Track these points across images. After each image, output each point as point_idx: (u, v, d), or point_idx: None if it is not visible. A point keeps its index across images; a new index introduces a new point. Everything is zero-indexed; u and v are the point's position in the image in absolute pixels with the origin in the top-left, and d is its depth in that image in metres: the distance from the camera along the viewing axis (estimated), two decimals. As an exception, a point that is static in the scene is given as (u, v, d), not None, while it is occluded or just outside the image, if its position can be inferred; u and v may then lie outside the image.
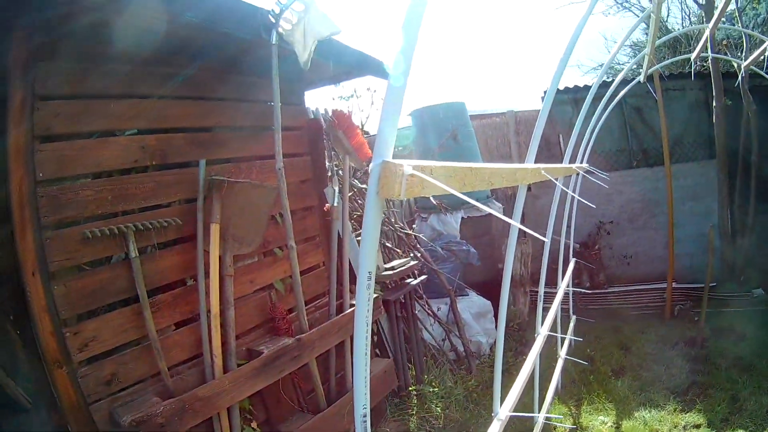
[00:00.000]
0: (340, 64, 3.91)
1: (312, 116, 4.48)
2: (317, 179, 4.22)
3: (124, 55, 2.84)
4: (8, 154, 2.43)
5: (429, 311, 5.20)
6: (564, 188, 3.14)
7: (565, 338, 4.41)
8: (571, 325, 5.29)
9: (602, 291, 6.61)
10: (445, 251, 5.83)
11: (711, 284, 6.06)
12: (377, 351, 4.52)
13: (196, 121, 3.34)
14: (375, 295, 4.01)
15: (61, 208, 2.61)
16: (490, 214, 6.14)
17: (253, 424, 3.29)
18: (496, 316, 5.83)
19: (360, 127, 5.93)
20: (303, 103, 4.25)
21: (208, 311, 3.09)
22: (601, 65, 13.02)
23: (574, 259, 5.37)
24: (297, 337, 3.42)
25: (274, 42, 3.02)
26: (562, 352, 4.46)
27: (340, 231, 4.16)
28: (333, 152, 4.54)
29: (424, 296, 5.31)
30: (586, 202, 3.67)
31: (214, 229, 3.14)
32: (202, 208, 3.18)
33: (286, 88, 3.69)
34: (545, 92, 6.82)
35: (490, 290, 6.08)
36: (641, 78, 4.90)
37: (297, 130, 4.10)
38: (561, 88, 7.17)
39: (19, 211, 2.47)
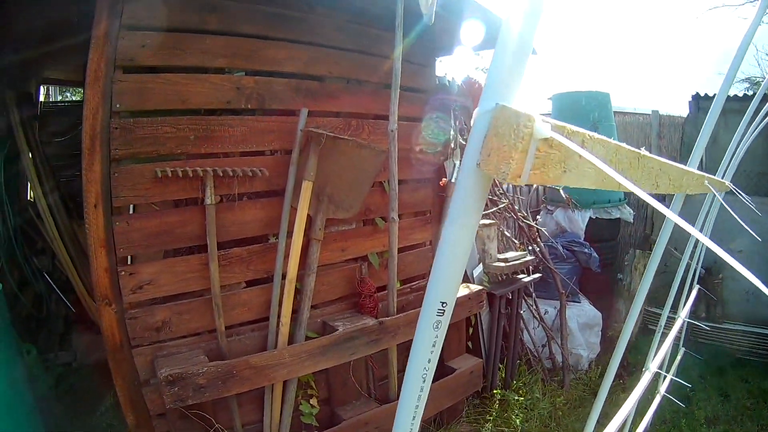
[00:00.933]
0: (474, 27, 3.12)
1: (440, 81, 3.69)
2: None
3: None
4: (86, 80, 2.13)
5: (536, 313, 4.31)
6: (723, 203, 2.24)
7: (668, 377, 3.47)
8: (678, 358, 4.23)
9: (717, 326, 5.30)
10: (565, 250, 4.87)
11: None
12: (469, 345, 3.77)
13: (304, 67, 2.79)
14: (479, 288, 3.40)
15: (135, 142, 2.26)
16: (619, 218, 5.20)
17: (312, 401, 2.81)
18: (604, 330, 4.81)
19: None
20: (431, 65, 3.55)
21: (284, 274, 2.61)
22: (748, 78, 10.66)
23: (698, 286, 4.26)
24: (380, 319, 2.84)
25: None
26: (662, 388, 3.54)
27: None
28: (459, 122, 3.73)
29: (534, 295, 4.42)
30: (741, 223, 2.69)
31: (306, 186, 2.59)
32: (296, 162, 2.66)
33: (414, 46, 3.13)
34: (693, 97, 5.70)
35: (603, 300, 5.06)
36: None
37: (421, 92, 3.42)
38: (702, 95, 5.81)
39: (89, 141, 2.15)
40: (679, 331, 4.55)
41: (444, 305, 0.61)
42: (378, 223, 3.06)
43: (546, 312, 4.44)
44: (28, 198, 4.53)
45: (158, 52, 2.30)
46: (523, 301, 4.24)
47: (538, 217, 5.76)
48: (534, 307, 4.41)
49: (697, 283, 4.87)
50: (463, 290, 3.35)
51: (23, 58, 4.26)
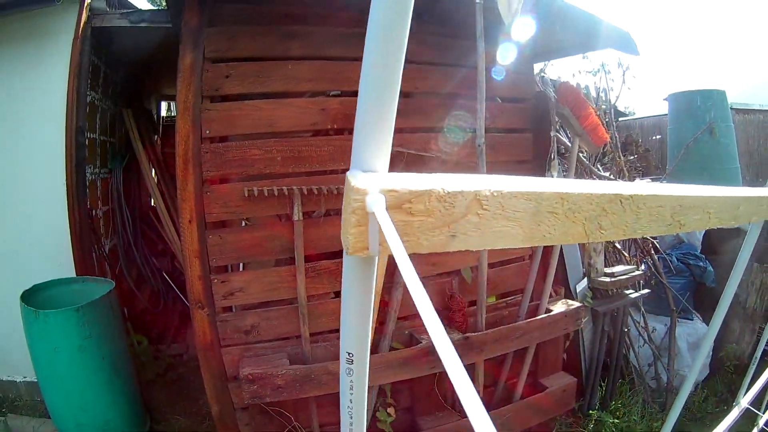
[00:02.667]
0: (570, 31, 3.10)
1: (542, 88, 3.61)
2: (538, 160, 3.44)
3: (306, 17, 2.69)
4: (178, 112, 2.44)
5: (642, 330, 4.09)
6: None
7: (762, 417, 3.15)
8: None
9: None
10: (679, 263, 4.56)
11: None
12: (564, 358, 3.64)
13: None
14: (576, 305, 3.32)
15: (225, 164, 2.52)
16: (738, 228, 4.77)
17: (390, 410, 2.92)
18: (716, 350, 4.48)
19: (598, 105, 4.85)
20: (529, 72, 3.48)
21: None
22: None
23: None
24: (466, 335, 2.87)
25: (479, 1, 2.49)
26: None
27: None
28: (561, 131, 3.62)
29: (642, 310, 4.19)
30: None
31: (388, 203, 2.60)
32: (379, 179, 2.66)
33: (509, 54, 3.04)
34: None
35: (707, 320, 4.69)
36: None
37: (519, 102, 3.40)
38: None
39: (182, 164, 2.43)
40: None
41: (351, 355, 0.62)
42: (468, 241, 3.05)
43: (654, 330, 4.20)
44: (151, 204, 5.00)
45: (242, 81, 2.54)
46: (630, 317, 4.03)
47: None
48: (642, 323, 4.18)
49: None
50: (560, 307, 3.28)
51: (140, 76, 4.74)
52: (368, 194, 0.45)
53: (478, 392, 2.59)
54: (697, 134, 4.84)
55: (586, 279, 3.74)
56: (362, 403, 0.69)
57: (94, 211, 4.00)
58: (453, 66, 3.03)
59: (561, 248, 3.47)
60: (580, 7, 2.91)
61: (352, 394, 0.68)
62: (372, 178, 0.46)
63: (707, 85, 5.53)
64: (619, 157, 4.53)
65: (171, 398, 3.88)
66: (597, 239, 0.62)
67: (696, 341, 4.30)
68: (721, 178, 4.67)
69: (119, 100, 4.56)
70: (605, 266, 3.85)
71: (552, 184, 0.56)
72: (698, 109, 5.05)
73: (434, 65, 3.00)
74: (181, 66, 2.41)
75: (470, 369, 3.01)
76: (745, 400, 2.49)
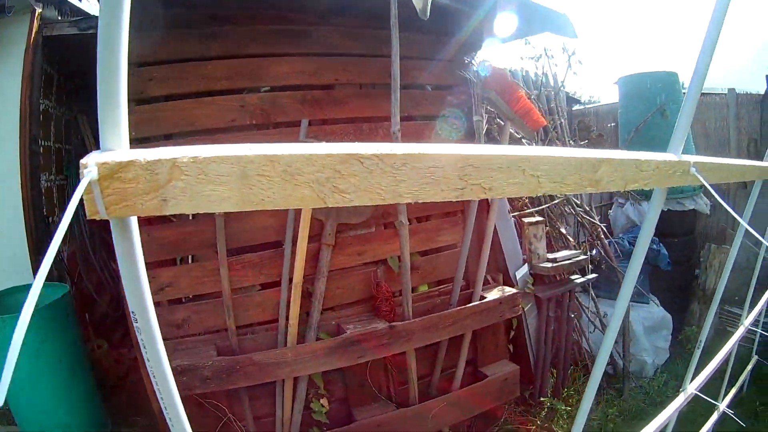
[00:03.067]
0: (506, 16, 3.10)
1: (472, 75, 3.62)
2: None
3: (225, 17, 2.77)
4: None
5: (591, 315, 4.08)
6: None
7: (719, 407, 3.14)
8: (747, 369, 3.93)
9: None
10: (631, 247, 4.54)
11: None
12: (510, 348, 3.67)
13: (309, 78, 2.94)
14: (512, 291, 3.34)
15: None
16: (694, 210, 4.77)
17: (323, 401, 2.96)
18: (675, 333, 4.46)
19: (540, 91, 4.84)
20: (459, 59, 3.45)
21: (291, 279, 2.80)
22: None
23: None
24: (391, 324, 2.87)
25: None
26: (723, 404, 3.24)
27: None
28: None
29: (592, 295, 4.18)
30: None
31: (304, 195, 2.64)
32: (297, 172, 2.70)
33: (435, 41, 3.24)
34: None
35: (676, 301, 4.68)
36: None
37: (446, 89, 3.40)
38: None
39: None
40: (746, 342, 4.08)
41: (134, 314, 0.64)
42: (398, 227, 3.06)
43: (605, 314, 4.19)
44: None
45: (165, 83, 2.63)
46: (578, 303, 4.03)
47: (609, 211, 5.48)
48: (593, 308, 4.17)
49: None
50: (495, 294, 3.29)
51: (93, 82, 4.77)
52: (86, 167, 0.49)
53: (412, 381, 2.63)
54: (648, 116, 4.81)
55: (526, 265, 3.73)
56: (159, 360, 0.71)
57: (51, 218, 4.05)
58: (379, 57, 3.06)
59: (496, 234, 3.47)
60: None
61: (146, 351, 0.70)
62: (96, 155, 0.50)
63: (653, 68, 5.50)
64: (572, 142, 4.53)
65: (132, 401, 3.91)
66: (340, 203, 0.59)
67: (652, 325, 4.30)
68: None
69: (74, 107, 4.62)
70: (550, 252, 3.84)
71: (263, 148, 0.57)
72: (648, 91, 5.02)
73: (359, 57, 3.05)
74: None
75: (401, 358, 3.02)
76: (692, 386, 2.48)
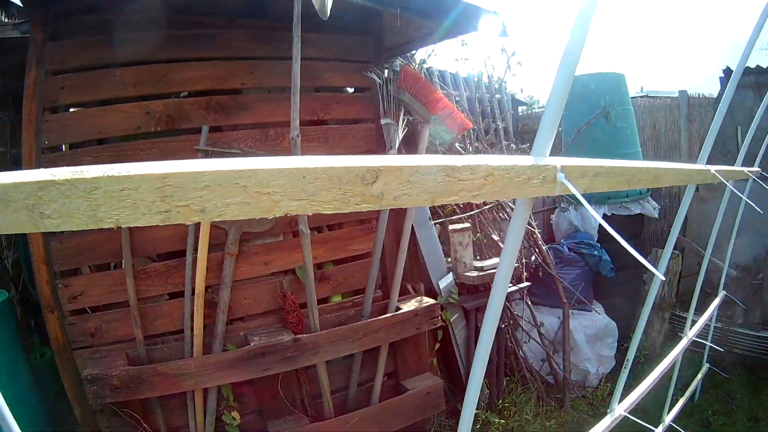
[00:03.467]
0: (426, 16, 3.16)
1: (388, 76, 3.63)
2: (383, 150, 3.46)
3: (134, 23, 2.78)
4: (23, 125, 2.63)
5: (524, 324, 4.09)
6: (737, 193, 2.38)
7: (664, 421, 3.17)
8: (698, 378, 4.00)
9: (753, 333, 4.76)
10: (572, 253, 4.55)
11: None
12: (435, 361, 3.69)
13: (215, 83, 2.96)
14: (430, 302, 3.35)
15: None
16: (641, 214, 4.78)
17: (234, 413, 2.96)
18: (621, 341, 4.50)
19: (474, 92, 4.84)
20: (375, 61, 3.46)
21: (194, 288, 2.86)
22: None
23: (724, 292, 4.03)
24: (295, 337, 2.89)
25: None
26: (668, 418, 3.36)
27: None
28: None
29: (528, 304, 4.21)
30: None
31: (203, 205, 2.65)
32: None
33: (349, 43, 3.27)
34: (724, 71, 5.34)
35: (624, 308, 4.70)
36: None
37: (362, 91, 3.42)
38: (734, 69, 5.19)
39: None
40: (698, 347, 4.10)
41: None
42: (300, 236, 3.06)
43: (542, 324, 4.19)
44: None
45: (76, 91, 2.72)
46: (511, 312, 4.03)
47: (552, 216, 5.52)
48: (530, 317, 4.18)
49: (731, 284, 4.63)
50: (412, 305, 3.29)
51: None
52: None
53: (326, 395, 2.63)
54: (590, 119, 4.82)
55: (451, 274, 3.72)
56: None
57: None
58: (289, 59, 3.04)
59: (417, 243, 3.47)
60: None
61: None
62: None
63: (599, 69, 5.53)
64: (513, 146, 4.54)
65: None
66: (50, 228, 0.56)
67: (595, 333, 4.32)
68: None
69: (20, 111, 4.65)
70: (480, 260, 3.83)
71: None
72: (592, 93, 5.04)
73: (268, 60, 3.06)
74: (26, 81, 2.60)
75: (312, 372, 3.03)
76: (621, 407, 2.47)
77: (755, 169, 3.15)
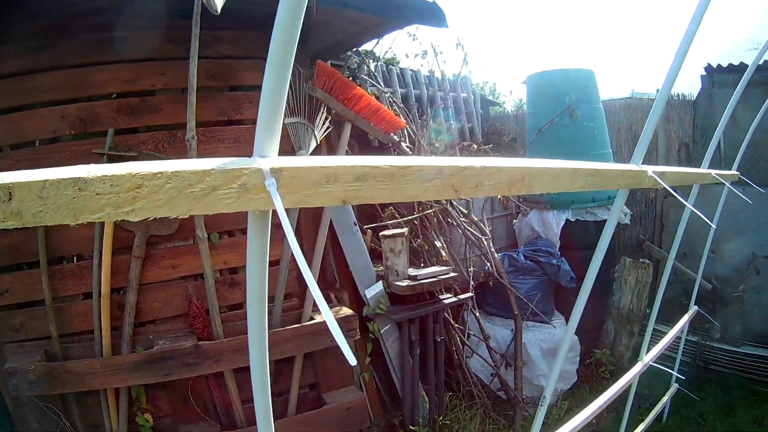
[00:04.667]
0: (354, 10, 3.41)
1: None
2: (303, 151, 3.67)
3: (51, 29, 3.14)
4: None
5: (461, 337, 4.28)
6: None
7: None
8: (664, 400, 4.07)
9: (732, 349, 4.90)
10: (528, 261, 4.69)
11: None
12: (367, 377, 3.91)
13: (125, 85, 3.30)
14: (348, 313, 3.57)
15: None
16: (601, 220, 4.89)
17: (147, 415, 3.28)
18: (584, 356, 4.66)
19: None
20: (298, 57, 3.60)
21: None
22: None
23: (695, 307, 4.06)
24: (196, 343, 3.18)
25: None
26: None
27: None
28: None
29: (476, 316, 4.44)
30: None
31: (107, 205, 3.00)
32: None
33: (266, 40, 3.25)
34: (705, 69, 5.74)
35: (590, 320, 4.80)
36: None
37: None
38: (725, 65, 5.58)
39: None
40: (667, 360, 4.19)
41: None
42: (213, 240, 3.31)
43: (489, 336, 4.38)
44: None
45: (1, 96, 3.09)
46: (451, 324, 4.20)
47: (515, 221, 5.66)
48: (479, 330, 4.34)
49: (710, 296, 4.92)
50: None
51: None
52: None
53: (236, 403, 2.89)
54: (553, 117, 4.95)
55: (380, 283, 3.89)
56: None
57: None
58: (203, 58, 3.29)
59: (341, 250, 3.67)
60: None
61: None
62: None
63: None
64: (476, 147, 4.69)
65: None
66: None
67: (553, 347, 4.46)
68: (588, 164, 4.83)
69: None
70: (418, 268, 4.00)
71: None
72: (558, 90, 5.20)
73: (179, 59, 3.29)
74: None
75: (220, 379, 3.33)
76: None
77: (732, 173, 3.52)
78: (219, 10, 2.51)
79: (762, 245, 5.24)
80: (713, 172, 2.98)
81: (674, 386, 4.22)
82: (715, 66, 5.57)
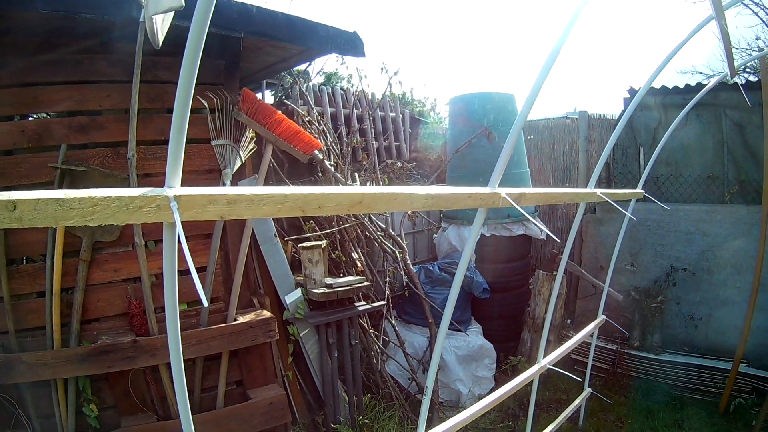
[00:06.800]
0: (263, 36, 4.52)
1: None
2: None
3: (10, 47, 4.07)
4: None
5: (397, 344, 5.66)
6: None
7: None
8: (575, 403, 5.16)
9: (651, 357, 6.23)
10: (443, 273, 6.13)
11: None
12: (290, 375, 5.22)
13: (76, 105, 4.42)
14: (267, 316, 4.75)
15: None
16: (524, 235, 6.24)
17: (92, 406, 4.31)
18: (501, 363, 6.12)
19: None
20: (225, 83, 4.91)
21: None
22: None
23: (603, 316, 5.26)
24: (134, 338, 4.33)
25: (141, 20, 3.70)
26: None
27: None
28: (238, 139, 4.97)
29: (393, 323, 5.84)
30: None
31: (59, 216, 4.17)
32: (57, 193, 4.26)
33: (209, 66, 4.70)
34: (629, 91, 7.45)
35: (507, 330, 6.40)
36: (729, 75, 4.38)
37: (213, 113, 4.77)
38: (638, 89, 6.85)
39: None
40: (601, 359, 5.44)
41: None
42: (149, 246, 4.47)
43: (404, 342, 5.69)
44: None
45: None
46: (362, 329, 5.48)
47: (435, 236, 7.17)
48: (395, 335, 5.60)
49: (630, 307, 6.21)
50: (249, 316, 4.76)
51: None
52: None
53: (169, 396, 4.09)
54: (470, 138, 6.35)
55: (299, 290, 5.25)
56: None
57: None
58: (144, 82, 4.34)
59: (261, 256, 4.89)
60: (280, 12, 4.39)
61: None
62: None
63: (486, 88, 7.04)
64: (402, 165, 5.97)
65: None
66: None
67: (468, 354, 5.82)
68: (507, 183, 6.15)
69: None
70: (335, 277, 5.24)
71: None
72: (476, 112, 6.69)
73: (123, 83, 4.35)
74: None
75: (156, 373, 4.50)
76: None
77: (638, 191, 4.61)
78: (160, 45, 3.50)
79: (681, 258, 6.74)
80: (598, 191, 3.83)
81: (587, 390, 5.37)
82: (637, 89, 6.88)
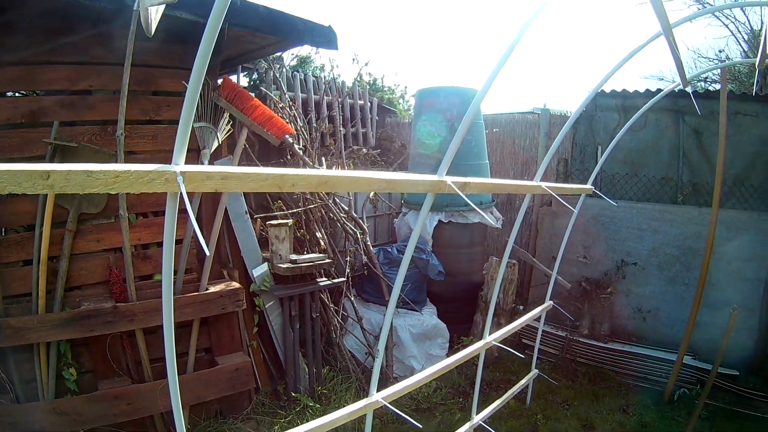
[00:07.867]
0: (245, 27, 5.22)
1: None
2: (208, 148, 5.63)
3: (7, 27, 4.64)
4: None
5: (337, 317, 6.52)
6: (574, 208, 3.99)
7: (472, 419, 4.97)
8: (522, 383, 5.95)
9: (599, 344, 7.12)
10: (400, 255, 6.99)
11: (734, 374, 6.48)
12: (255, 345, 6.00)
13: (69, 84, 5.07)
14: (235, 286, 5.52)
15: None
16: (480, 223, 7.18)
17: (72, 370, 4.99)
18: (455, 343, 7.02)
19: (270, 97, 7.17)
20: (210, 70, 5.36)
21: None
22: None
23: (551, 302, 6.01)
24: (115, 304, 5.04)
25: (135, 8, 4.33)
26: (478, 417, 5.06)
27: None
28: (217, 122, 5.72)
29: (352, 299, 6.71)
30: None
31: (49, 188, 4.90)
32: (49, 167, 4.97)
33: (182, 52, 5.37)
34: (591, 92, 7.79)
35: (461, 311, 7.35)
36: (681, 83, 4.80)
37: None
38: (608, 90, 7.96)
39: None
40: (550, 343, 6.33)
41: None
42: (131, 219, 5.23)
43: (361, 318, 6.59)
44: None
45: None
46: (323, 304, 6.37)
47: (395, 220, 8.12)
48: (353, 311, 6.54)
49: (580, 297, 7.05)
50: (220, 287, 5.49)
51: None
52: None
53: (144, 360, 4.97)
54: (433, 130, 7.25)
55: (266, 264, 6.05)
56: None
57: None
58: (133, 66, 4.99)
59: (233, 233, 5.75)
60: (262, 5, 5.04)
61: None
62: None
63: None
64: (365, 150, 6.84)
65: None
66: None
67: (422, 332, 6.75)
68: (466, 173, 7.07)
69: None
70: (299, 254, 6.10)
71: None
72: (440, 105, 7.52)
73: (112, 65, 5.03)
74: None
75: (131, 338, 5.22)
76: (379, 395, 3.66)
77: (587, 187, 5.31)
78: (152, 33, 4.00)
79: (632, 253, 7.70)
80: (543, 184, 4.26)
81: (534, 371, 6.09)
82: (599, 91, 7.79)
